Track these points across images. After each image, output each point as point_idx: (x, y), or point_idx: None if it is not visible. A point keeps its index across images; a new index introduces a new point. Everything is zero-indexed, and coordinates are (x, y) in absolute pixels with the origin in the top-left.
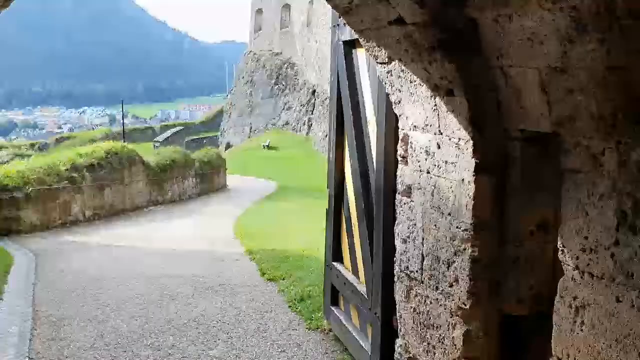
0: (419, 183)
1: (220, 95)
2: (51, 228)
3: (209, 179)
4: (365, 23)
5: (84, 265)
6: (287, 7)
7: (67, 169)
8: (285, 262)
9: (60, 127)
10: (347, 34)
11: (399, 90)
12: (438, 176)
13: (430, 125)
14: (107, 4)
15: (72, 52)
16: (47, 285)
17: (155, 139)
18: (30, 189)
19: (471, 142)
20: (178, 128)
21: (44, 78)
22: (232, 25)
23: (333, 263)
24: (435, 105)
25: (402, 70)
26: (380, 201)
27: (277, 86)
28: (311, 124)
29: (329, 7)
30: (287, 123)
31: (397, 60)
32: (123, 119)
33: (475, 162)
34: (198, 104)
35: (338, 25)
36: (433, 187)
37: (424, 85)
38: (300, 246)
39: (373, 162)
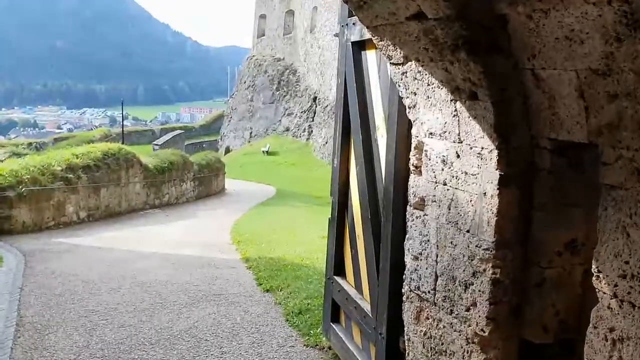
0: (434, 195)
1: (221, 100)
2: (44, 229)
3: (208, 183)
4: (380, 19)
5: (75, 268)
6: (290, 12)
7: (62, 169)
8: (283, 271)
9: (59, 127)
10: (357, 34)
11: (414, 93)
12: (456, 188)
13: (449, 132)
14: (111, 4)
15: (74, 51)
16: (35, 288)
17: (154, 142)
18: (23, 188)
19: (496, 151)
20: (178, 131)
21: (45, 77)
22: (234, 30)
23: (334, 277)
24: (456, 110)
25: (419, 72)
26: (389, 213)
27: (278, 92)
28: (312, 131)
29: (333, 12)
30: (287, 129)
31: (413, 61)
32: (123, 120)
33: (500, 174)
34: (199, 107)
35: (347, 25)
36: (450, 200)
37: (444, 88)
38: (299, 254)
39: (381, 171)
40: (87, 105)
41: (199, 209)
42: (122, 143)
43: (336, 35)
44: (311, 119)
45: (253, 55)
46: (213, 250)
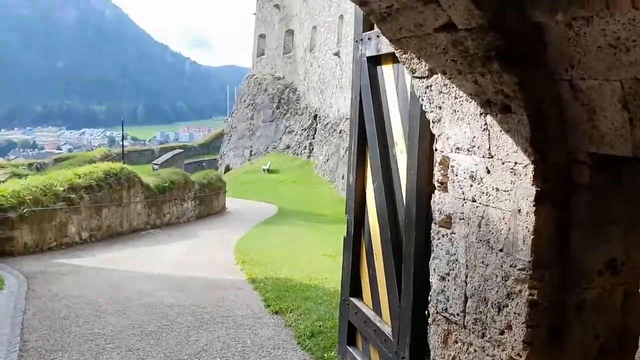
0: (462, 213)
1: (220, 119)
2: (45, 250)
3: (208, 202)
4: (404, 31)
5: (79, 289)
6: (290, 32)
7: (64, 189)
8: (291, 292)
9: (59, 148)
10: (373, 49)
11: (439, 107)
12: (487, 205)
13: (478, 147)
14: (111, 25)
15: (74, 71)
16: (38, 311)
17: (154, 161)
18: (25, 209)
19: (531, 166)
20: (177, 150)
21: (45, 97)
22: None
23: (351, 298)
24: (486, 124)
25: (445, 85)
26: (412, 231)
27: (278, 110)
28: (312, 148)
29: (332, 32)
30: (288, 147)
31: (439, 74)
32: (123, 140)
33: (536, 190)
34: (197, 126)
35: (362, 40)
36: (480, 218)
37: (473, 101)
38: (306, 274)
39: (401, 187)
40: (86, 125)
41: (201, 229)
42: (123, 162)
43: (336, 54)
44: (312, 137)
45: (253, 74)
46: (218, 271)
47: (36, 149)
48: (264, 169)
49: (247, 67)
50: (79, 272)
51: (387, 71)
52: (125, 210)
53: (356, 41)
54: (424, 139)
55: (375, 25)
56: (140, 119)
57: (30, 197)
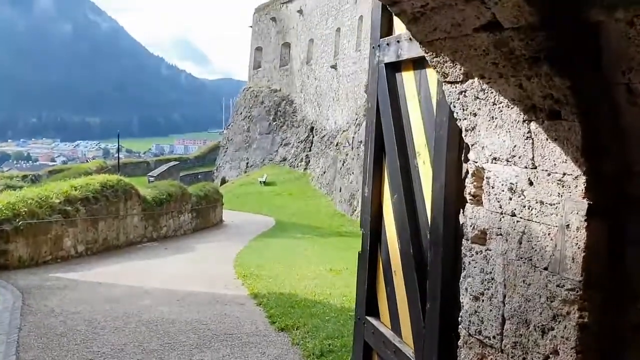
0: (500, 228)
1: (216, 131)
2: (41, 263)
3: (205, 214)
4: (438, 32)
5: (76, 305)
6: (286, 45)
7: (60, 202)
8: (296, 308)
9: (53, 160)
10: (392, 54)
11: (473, 114)
12: (529, 220)
13: (519, 157)
14: (106, 37)
15: (69, 84)
16: (34, 328)
17: (149, 173)
18: (20, 221)
19: (583, 178)
20: (173, 162)
21: (40, 109)
22: (229, 63)
23: (367, 317)
24: (529, 131)
25: (483, 90)
26: (439, 248)
27: (275, 122)
28: (309, 160)
29: (329, 44)
30: (284, 159)
31: (476, 78)
32: (118, 152)
33: (588, 204)
34: (193, 139)
35: (379, 46)
36: (521, 234)
37: (515, 107)
38: (310, 289)
39: (424, 200)
40: (80, 137)
41: (198, 242)
42: (118, 174)
43: (333, 66)
44: (308, 149)
45: (249, 87)
46: (218, 286)
47: (30, 161)
48: (260, 182)
49: (242, 79)
50: (76, 287)
51: (407, 78)
52: (122, 223)
53: (373, 47)
54: (452, 149)
55: (394, 30)
56: (135, 131)
57: (26, 209)
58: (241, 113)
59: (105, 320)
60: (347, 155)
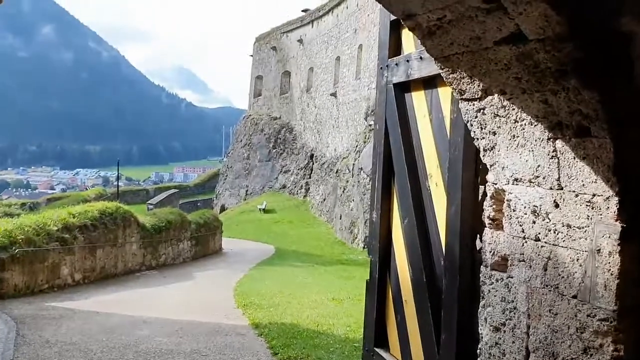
0: (522, 253)
1: (215, 159)
2: (37, 292)
3: (205, 242)
4: (455, 46)
5: (72, 336)
6: (287, 73)
7: (58, 229)
8: (299, 338)
9: (52, 188)
10: (401, 74)
11: (492, 133)
12: (555, 244)
13: (544, 177)
14: (107, 67)
15: (70, 112)
16: None
17: (149, 201)
18: (16, 249)
19: (615, 198)
20: (172, 190)
21: (40, 138)
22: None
23: (376, 349)
24: (555, 150)
25: (503, 107)
26: (455, 275)
27: (275, 149)
28: (309, 188)
29: (329, 73)
30: (284, 186)
31: (496, 94)
32: (118, 180)
33: (622, 227)
34: (192, 166)
35: (387, 66)
36: (546, 259)
37: (539, 124)
38: (312, 319)
39: (437, 225)
40: (80, 165)
41: (198, 270)
42: (118, 202)
43: (332, 94)
44: (308, 176)
45: (250, 115)
46: (218, 315)
47: (29, 189)
48: (260, 209)
49: (242, 108)
50: (72, 317)
51: (418, 98)
52: (120, 251)
53: (381, 68)
54: (467, 170)
55: (402, 50)
56: (135, 159)
57: (23, 236)
58: (241, 140)
59: (102, 352)
60: (347, 182)
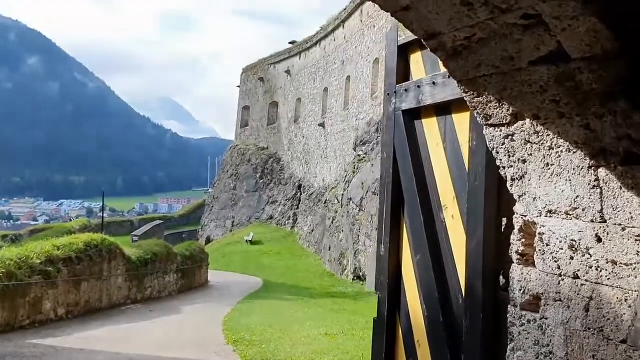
0: (559, 292)
1: (200, 189)
2: (17, 328)
3: (191, 274)
4: (483, 67)
5: None
6: (274, 104)
7: (41, 262)
8: None
9: (35, 219)
10: (411, 100)
11: (522, 160)
12: (598, 282)
13: (583, 209)
14: (92, 97)
15: (54, 143)
16: None
17: (133, 232)
18: None
19: None
20: (157, 221)
21: (24, 168)
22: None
23: None
24: (597, 179)
25: (536, 132)
26: (477, 315)
27: (262, 180)
28: (296, 218)
29: (317, 103)
30: (271, 217)
31: (529, 119)
32: (103, 210)
33: None
34: (177, 197)
35: (395, 93)
36: (587, 299)
37: (578, 151)
38: (307, 356)
39: (453, 259)
40: (64, 196)
41: (184, 303)
42: (102, 233)
43: (320, 124)
44: (296, 207)
45: (236, 145)
46: (208, 351)
47: (11, 220)
48: (246, 240)
49: (227, 138)
50: (54, 354)
51: (429, 124)
52: (105, 284)
53: (388, 94)
54: (489, 201)
55: (411, 75)
56: (119, 190)
57: (3, 270)
58: (227, 171)
59: None
60: (336, 212)
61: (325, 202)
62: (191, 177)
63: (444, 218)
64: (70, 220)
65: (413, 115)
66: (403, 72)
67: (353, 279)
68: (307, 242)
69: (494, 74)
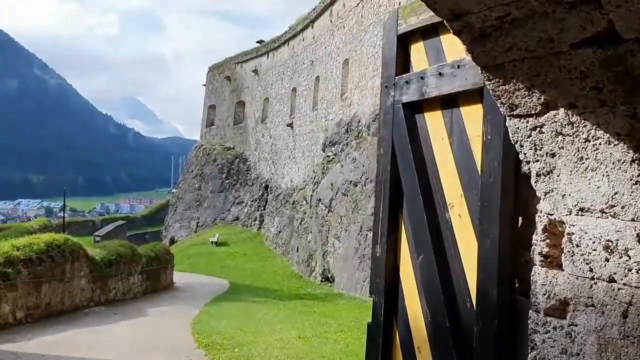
0: (591, 297)
1: (164, 190)
2: None
3: (156, 276)
4: (515, 51)
5: None
6: (241, 103)
7: None
8: None
9: None
10: (413, 93)
11: (551, 154)
12: (638, 287)
13: (622, 207)
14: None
15: (13, 141)
16: None
17: (95, 233)
18: None
19: None
20: (120, 222)
21: None
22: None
23: None
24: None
25: (571, 123)
26: (489, 320)
27: (228, 180)
28: (263, 220)
29: (285, 104)
30: (237, 218)
31: (563, 108)
32: (64, 210)
33: None
34: (139, 198)
35: (394, 85)
36: (626, 305)
37: (621, 143)
38: None
39: (460, 261)
40: (22, 196)
41: (150, 306)
42: (64, 233)
43: (289, 125)
44: (262, 208)
45: (202, 144)
46: (179, 357)
47: None
48: (212, 242)
49: (192, 139)
50: None
51: (433, 118)
52: (67, 286)
53: (386, 86)
54: (506, 199)
55: (411, 67)
56: (81, 190)
57: None
58: (192, 171)
59: None
60: (304, 214)
61: (293, 204)
62: (154, 178)
63: (449, 217)
64: (30, 220)
65: (414, 108)
66: (403, 64)
67: (322, 281)
68: (275, 243)
69: (527, 59)
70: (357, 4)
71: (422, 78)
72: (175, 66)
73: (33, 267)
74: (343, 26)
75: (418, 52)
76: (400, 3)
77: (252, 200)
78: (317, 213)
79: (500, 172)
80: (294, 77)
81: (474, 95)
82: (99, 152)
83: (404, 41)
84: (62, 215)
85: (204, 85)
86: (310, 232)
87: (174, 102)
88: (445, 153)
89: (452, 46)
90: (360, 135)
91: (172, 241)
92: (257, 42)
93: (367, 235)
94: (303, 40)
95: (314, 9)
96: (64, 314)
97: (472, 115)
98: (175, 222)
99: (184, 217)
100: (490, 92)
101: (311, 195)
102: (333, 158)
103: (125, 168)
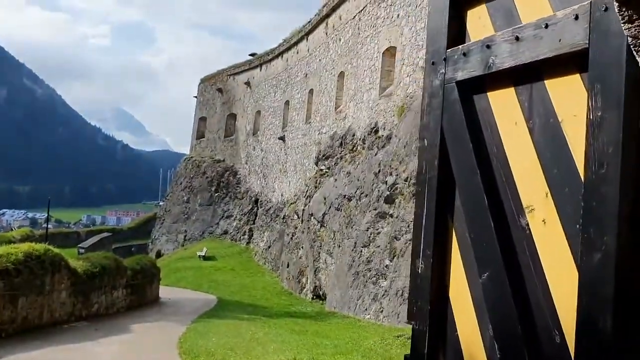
0: None
1: (151, 202)
2: None
3: (141, 290)
4: None
5: None
6: (232, 116)
7: None
8: None
9: None
10: (474, 66)
11: None
12: None
13: None
14: (41, 104)
15: (0, 151)
16: None
17: (80, 244)
18: None
19: None
20: (105, 234)
21: None
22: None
23: None
24: None
25: None
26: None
27: (217, 193)
28: (252, 234)
29: (277, 117)
30: (225, 232)
31: None
32: (48, 220)
33: None
34: (126, 210)
35: (445, 59)
36: None
37: None
38: None
39: (545, 281)
40: (6, 206)
41: (134, 322)
42: (47, 244)
43: (281, 138)
44: (252, 222)
45: (191, 157)
46: None
47: None
48: (199, 256)
49: (180, 151)
50: None
51: (502, 97)
52: (47, 299)
53: (433, 63)
54: (627, 196)
55: (468, 37)
56: (66, 201)
57: None
58: (181, 183)
59: None
60: (296, 228)
61: (283, 218)
62: (142, 190)
63: (527, 224)
64: (12, 230)
65: (473, 87)
66: (456, 34)
67: (313, 298)
68: (264, 258)
69: None
70: (354, 17)
71: (488, 47)
72: (165, 79)
73: (9, 278)
74: (339, 39)
75: (478, 18)
76: (399, 15)
77: (242, 214)
78: (308, 228)
79: (620, 161)
80: (287, 89)
81: (569, 63)
82: (86, 163)
83: (459, 7)
84: (46, 226)
85: (195, 97)
86: (302, 247)
87: (164, 114)
88: (520, 141)
89: (529, 5)
90: (355, 148)
91: (159, 254)
92: (250, 54)
93: (361, 251)
94: (297, 52)
95: (309, 22)
96: (42, 329)
97: (565, 90)
98: (162, 235)
99: (171, 230)
100: (630, 40)
101: (303, 210)
102: (326, 172)
103: (113, 180)
